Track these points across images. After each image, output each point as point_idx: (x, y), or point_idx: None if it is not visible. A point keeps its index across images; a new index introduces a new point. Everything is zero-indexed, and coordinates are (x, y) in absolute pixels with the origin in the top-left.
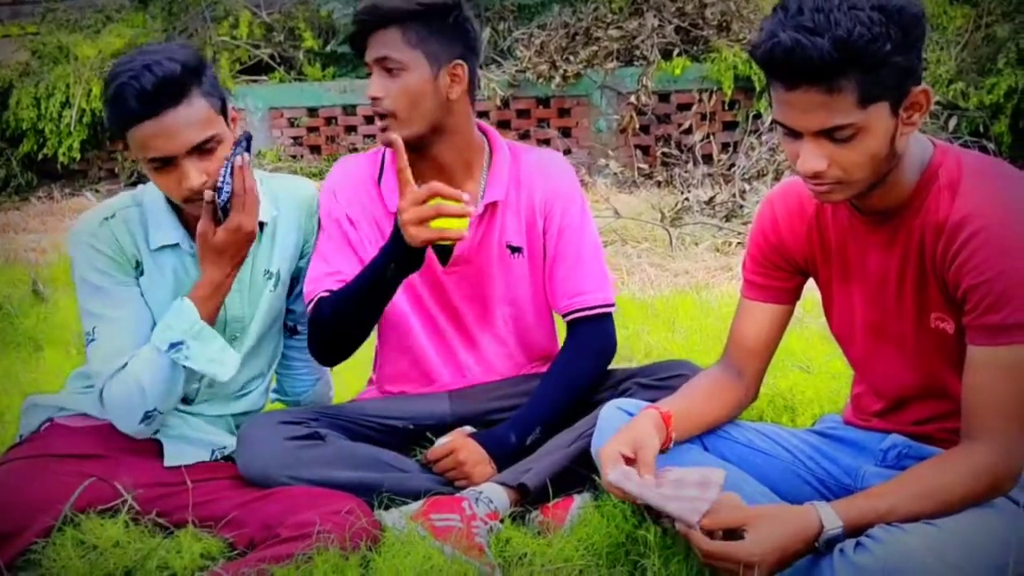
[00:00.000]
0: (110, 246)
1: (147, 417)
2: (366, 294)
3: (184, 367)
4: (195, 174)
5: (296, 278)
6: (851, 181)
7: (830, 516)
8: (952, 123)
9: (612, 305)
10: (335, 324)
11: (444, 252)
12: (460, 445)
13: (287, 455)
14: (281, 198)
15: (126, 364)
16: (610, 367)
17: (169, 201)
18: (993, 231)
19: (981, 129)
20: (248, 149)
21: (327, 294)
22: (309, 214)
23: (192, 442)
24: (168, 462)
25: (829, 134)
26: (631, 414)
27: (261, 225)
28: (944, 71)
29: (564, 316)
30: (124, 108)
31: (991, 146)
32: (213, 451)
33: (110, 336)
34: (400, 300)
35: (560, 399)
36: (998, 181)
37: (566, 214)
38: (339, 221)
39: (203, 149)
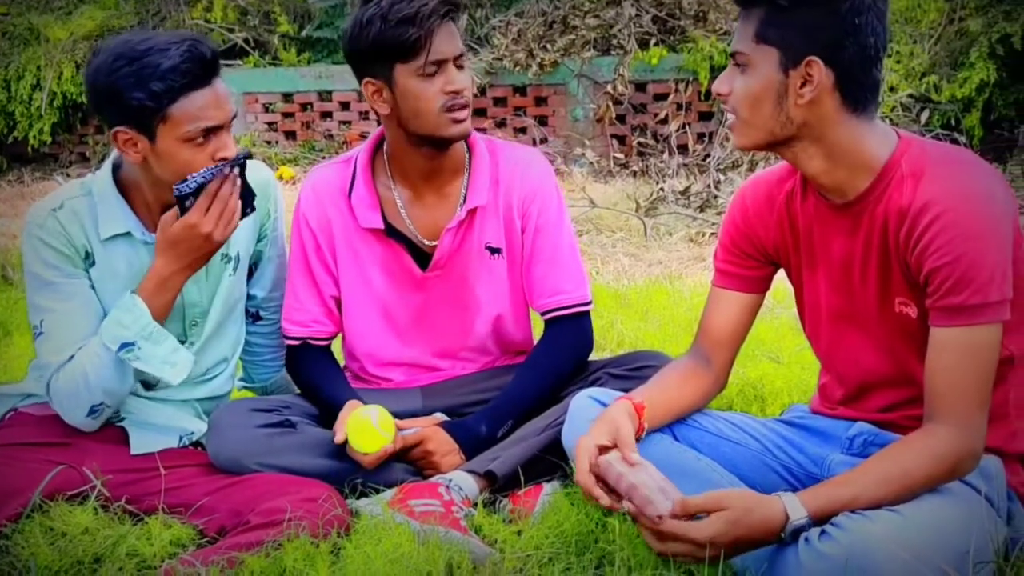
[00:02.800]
0: (58, 238)
1: (93, 411)
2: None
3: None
4: (232, 143)
5: (256, 263)
6: (740, 118)
7: (795, 506)
8: (924, 116)
9: (589, 303)
10: (299, 387)
11: (424, 257)
12: (430, 435)
13: (258, 442)
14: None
15: (72, 357)
16: None
17: (120, 190)
18: (955, 215)
19: (953, 122)
20: (243, 168)
21: (297, 344)
22: (265, 197)
23: (158, 429)
24: (135, 450)
25: (735, 57)
26: (603, 403)
27: None
28: (917, 64)
29: (542, 314)
30: (186, 76)
31: (962, 139)
32: (181, 437)
33: (57, 329)
34: (369, 311)
35: (533, 395)
36: (961, 168)
37: (543, 213)
38: (305, 250)
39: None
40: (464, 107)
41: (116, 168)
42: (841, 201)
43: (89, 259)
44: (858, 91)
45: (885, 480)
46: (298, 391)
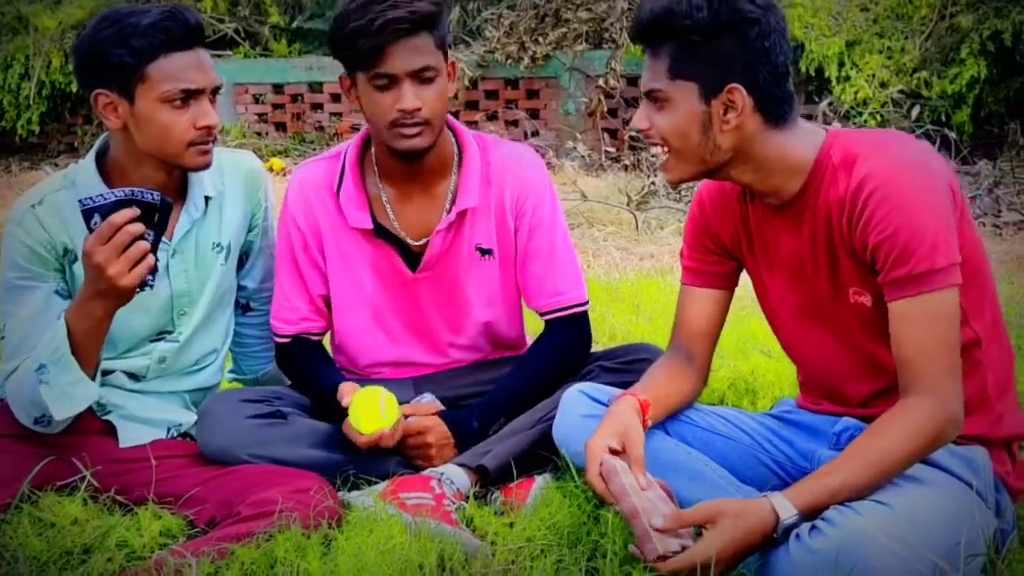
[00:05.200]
0: (34, 236)
1: (38, 421)
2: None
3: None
4: (214, 112)
5: (247, 253)
6: (673, 151)
7: (784, 506)
8: (915, 112)
9: (587, 303)
10: (292, 381)
11: (414, 257)
12: (431, 426)
13: (248, 433)
14: (226, 171)
15: (17, 368)
16: None
17: (105, 177)
18: (888, 188)
19: (943, 118)
20: (163, 216)
21: (287, 341)
22: (255, 187)
23: (146, 421)
24: (123, 443)
25: (650, 96)
26: (594, 398)
27: (207, 199)
28: (908, 60)
29: (541, 314)
30: (166, 34)
31: (952, 135)
32: (169, 429)
33: (12, 335)
34: (358, 311)
35: (527, 392)
36: (889, 145)
37: (537, 211)
38: (293, 249)
39: (214, 94)
40: (416, 125)
41: (100, 157)
42: (779, 203)
43: (69, 255)
44: (777, 107)
45: (867, 463)
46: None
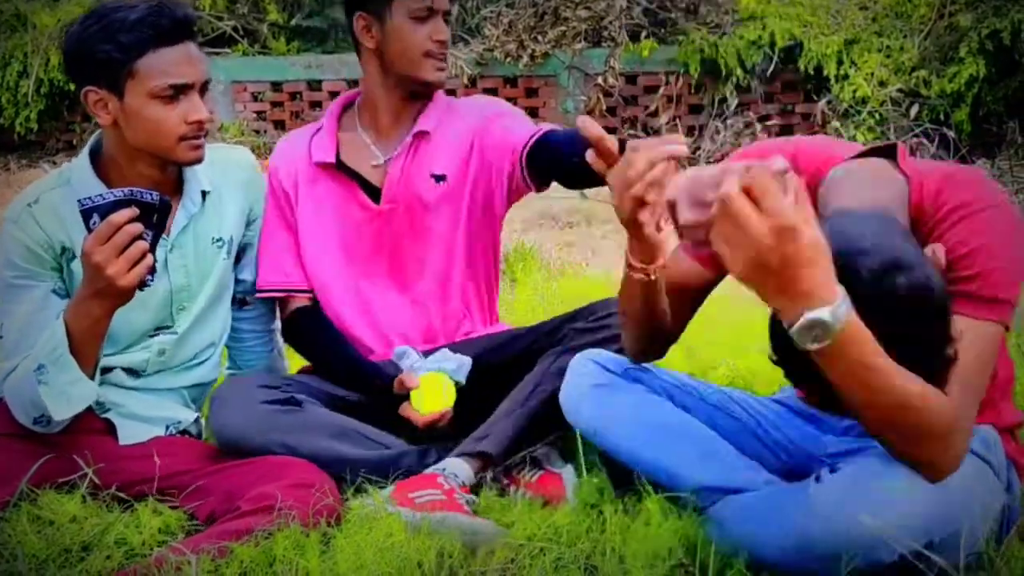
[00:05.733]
0: (31, 235)
1: (37, 421)
2: (336, 373)
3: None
4: (204, 107)
5: (244, 248)
6: None
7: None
8: (913, 111)
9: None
10: (305, 355)
11: (374, 192)
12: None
13: (264, 419)
14: (222, 167)
15: (16, 368)
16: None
17: (100, 174)
18: (986, 214)
19: (942, 117)
20: (156, 219)
21: (283, 295)
22: (251, 180)
23: (145, 419)
24: (123, 441)
25: None
26: (604, 367)
27: (204, 194)
28: (907, 59)
29: (529, 145)
30: (153, 28)
31: (951, 134)
32: (168, 426)
33: (10, 334)
34: (326, 247)
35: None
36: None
37: (500, 116)
38: (280, 205)
39: (204, 90)
40: (444, 58)
41: (94, 154)
42: None
43: (67, 254)
44: None
45: (911, 379)
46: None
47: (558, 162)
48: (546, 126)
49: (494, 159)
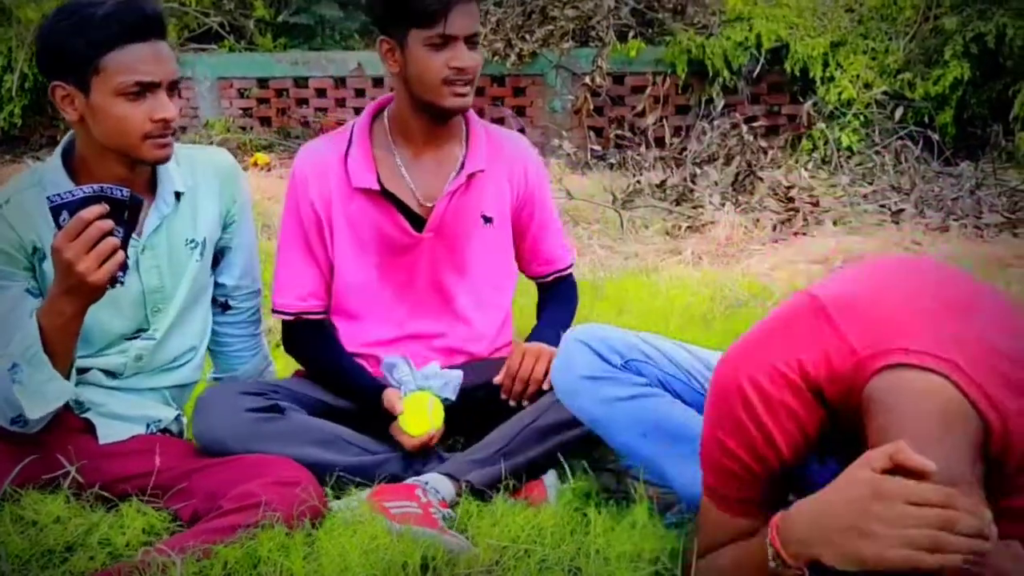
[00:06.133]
0: (4, 236)
1: (15, 422)
2: (332, 385)
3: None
4: (171, 105)
5: (223, 251)
6: None
7: None
8: (898, 113)
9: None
10: (303, 363)
11: (417, 220)
12: (522, 353)
13: (246, 427)
14: (199, 168)
15: None
16: None
17: (71, 173)
18: None
19: (926, 120)
20: (127, 215)
21: (292, 319)
22: (229, 183)
23: (125, 418)
24: (102, 439)
25: None
26: (595, 352)
27: (178, 195)
28: (892, 61)
29: (545, 276)
30: (122, 25)
31: (935, 136)
32: (148, 425)
33: None
34: (362, 272)
35: (568, 321)
36: None
37: (541, 186)
38: (303, 224)
39: (173, 89)
40: (467, 83)
41: (66, 154)
42: None
43: (38, 253)
44: None
45: None
46: (271, 377)
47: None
48: (571, 256)
49: (523, 241)
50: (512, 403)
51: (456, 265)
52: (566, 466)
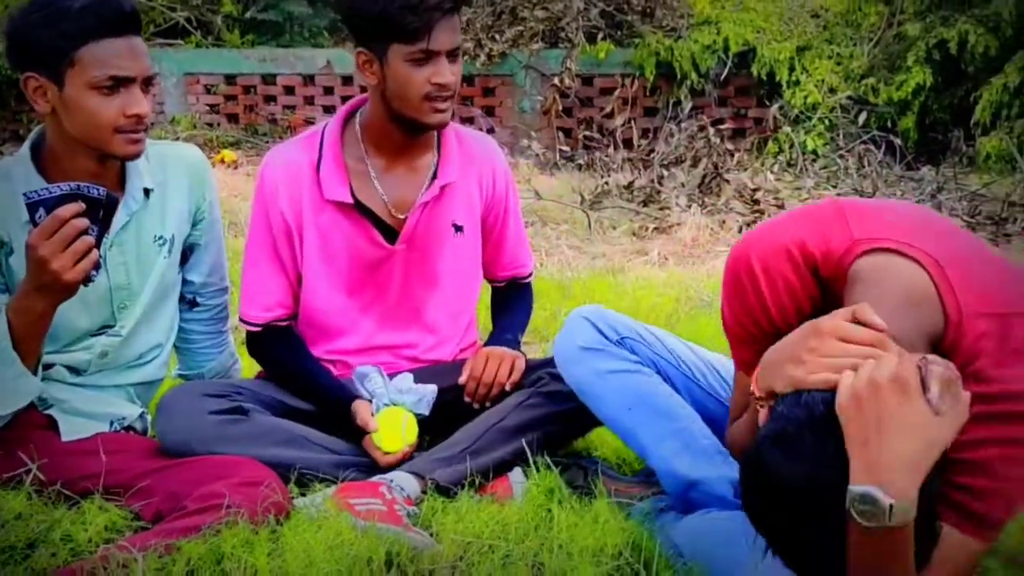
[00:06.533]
0: None
1: None
2: (299, 391)
3: None
4: (145, 101)
5: (191, 248)
6: None
7: None
8: (862, 118)
9: None
10: (268, 370)
11: (389, 231)
12: (486, 356)
13: (210, 429)
14: (169, 164)
15: None
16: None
17: (40, 169)
18: None
19: (889, 124)
20: (108, 212)
21: (258, 329)
22: (199, 180)
23: (88, 415)
24: (65, 436)
25: None
26: (594, 325)
27: (147, 191)
28: (856, 66)
29: (505, 280)
30: (98, 19)
31: (897, 141)
32: (112, 422)
33: None
34: (331, 284)
35: (526, 320)
36: None
37: (510, 194)
38: (272, 232)
39: (147, 85)
40: (447, 99)
41: (35, 148)
42: None
43: (6, 248)
44: None
45: None
46: (236, 375)
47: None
48: (528, 265)
49: (489, 244)
50: (476, 406)
51: (427, 276)
52: (532, 463)
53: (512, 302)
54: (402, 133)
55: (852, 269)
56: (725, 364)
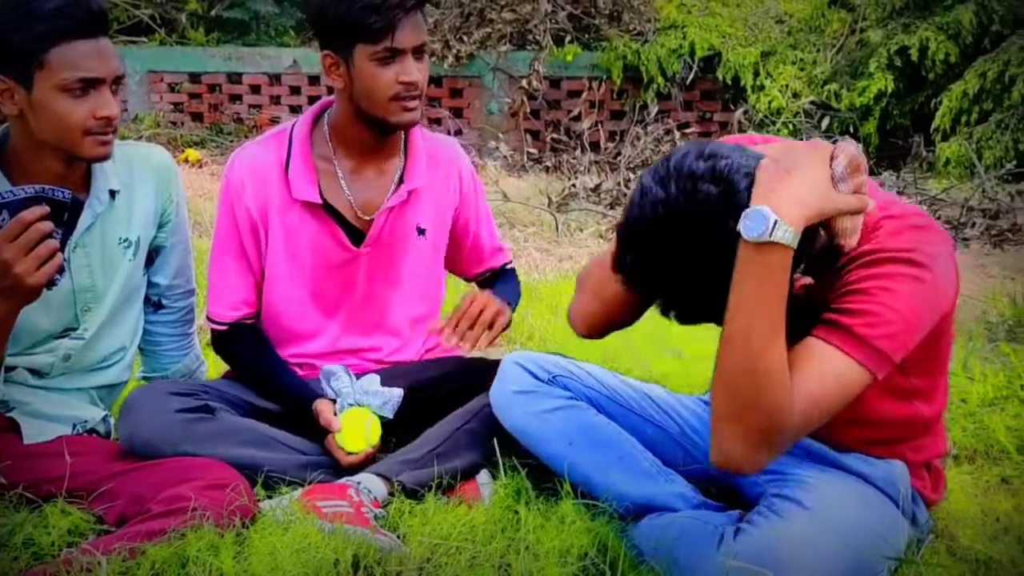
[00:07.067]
0: None
1: None
2: (263, 390)
3: None
4: (115, 102)
5: (157, 250)
6: None
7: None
8: (825, 122)
9: None
10: (233, 368)
11: (355, 233)
12: (473, 296)
13: (177, 428)
14: (135, 166)
15: None
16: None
17: (5, 170)
18: (895, 270)
19: (851, 129)
20: (67, 217)
21: (225, 328)
22: (166, 182)
23: (51, 418)
24: (27, 439)
25: None
26: (531, 372)
27: (112, 193)
28: (820, 72)
29: (485, 274)
30: (68, 21)
31: (859, 146)
32: (75, 425)
33: None
34: (295, 284)
35: (514, 293)
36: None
37: (478, 196)
38: (239, 230)
39: (116, 85)
40: (415, 98)
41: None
42: None
43: None
44: None
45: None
46: (202, 377)
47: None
48: (503, 254)
49: (456, 244)
50: (456, 342)
51: (390, 278)
52: (501, 464)
53: (497, 283)
54: (370, 134)
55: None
56: (656, 391)
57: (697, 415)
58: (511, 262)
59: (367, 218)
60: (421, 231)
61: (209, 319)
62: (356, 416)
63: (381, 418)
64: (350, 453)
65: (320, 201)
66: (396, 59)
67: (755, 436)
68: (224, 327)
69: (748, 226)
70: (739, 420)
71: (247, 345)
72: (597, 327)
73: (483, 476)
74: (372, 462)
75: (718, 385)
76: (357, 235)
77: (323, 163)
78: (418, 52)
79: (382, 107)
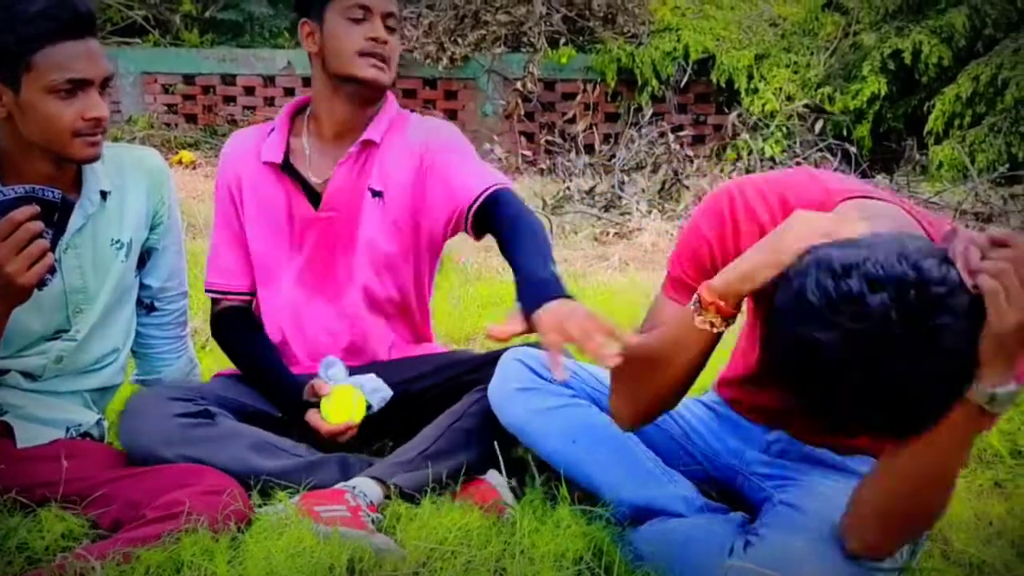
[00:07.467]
0: None
1: None
2: (254, 373)
3: None
4: (103, 104)
5: (149, 252)
6: None
7: None
8: (818, 126)
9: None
10: (226, 351)
11: (316, 196)
12: (552, 313)
13: (175, 432)
14: (127, 168)
15: None
16: (468, 350)
17: None
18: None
19: (845, 132)
20: (57, 218)
21: (220, 298)
22: (158, 184)
23: (44, 421)
24: (21, 443)
25: None
26: (532, 369)
27: (104, 194)
28: (813, 75)
29: (476, 203)
30: (54, 21)
31: (852, 149)
32: (68, 429)
33: None
34: (269, 248)
35: (544, 249)
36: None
37: (445, 146)
38: (223, 197)
39: (104, 87)
40: (383, 59)
41: None
42: None
43: None
44: None
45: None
46: (196, 380)
47: (500, 226)
48: (498, 180)
49: (433, 202)
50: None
51: (347, 243)
52: (501, 462)
53: (509, 229)
54: (345, 108)
55: (835, 211)
56: None
57: (698, 416)
58: (493, 187)
59: (323, 180)
60: (376, 193)
61: (207, 290)
62: (344, 390)
63: (368, 408)
64: (331, 425)
65: (279, 160)
66: (366, 19)
67: (909, 535)
68: (218, 296)
69: (999, 400)
70: (906, 521)
71: (241, 328)
72: (652, 415)
73: (493, 476)
74: (352, 448)
75: (889, 483)
76: (319, 201)
77: (297, 139)
78: (388, 20)
79: (349, 62)
